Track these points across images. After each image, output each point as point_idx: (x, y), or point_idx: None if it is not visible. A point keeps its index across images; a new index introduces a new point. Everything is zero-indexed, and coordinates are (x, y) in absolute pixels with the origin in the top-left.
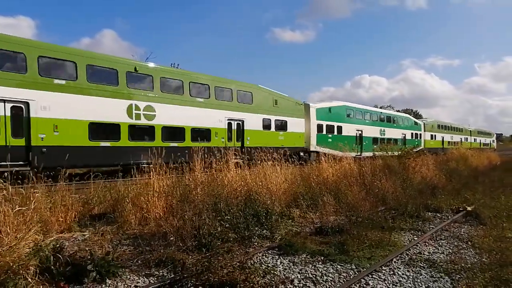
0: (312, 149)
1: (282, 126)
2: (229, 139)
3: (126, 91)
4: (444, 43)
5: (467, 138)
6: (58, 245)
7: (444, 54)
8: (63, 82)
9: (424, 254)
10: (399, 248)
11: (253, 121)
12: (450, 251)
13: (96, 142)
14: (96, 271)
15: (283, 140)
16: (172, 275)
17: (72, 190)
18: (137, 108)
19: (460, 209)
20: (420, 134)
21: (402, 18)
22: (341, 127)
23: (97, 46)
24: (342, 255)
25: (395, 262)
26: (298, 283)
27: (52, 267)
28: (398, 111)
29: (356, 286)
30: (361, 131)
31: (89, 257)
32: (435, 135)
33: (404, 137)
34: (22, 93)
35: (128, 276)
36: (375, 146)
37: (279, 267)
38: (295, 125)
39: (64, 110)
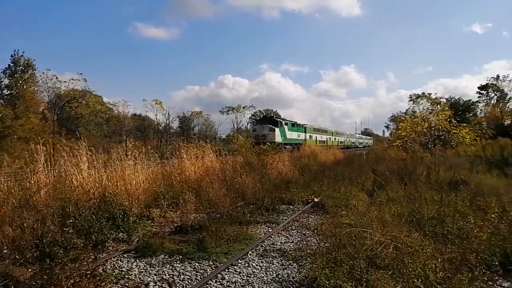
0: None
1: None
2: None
3: (334, 134)
4: (295, 51)
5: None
6: None
7: (295, 61)
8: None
9: (277, 244)
10: (255, 241)
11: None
12: (299, 239)
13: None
14: None
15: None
16: None
17: None
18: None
19: (309, 200)
20: None
21: (259, 25)
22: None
23: None
24: (201, 252)
25: (250, 254)
26: (153, 286)
27: None
28: (260, 111)
29: (213, 281)
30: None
31: None
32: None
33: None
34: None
35: None
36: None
37: (135, 271)
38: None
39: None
